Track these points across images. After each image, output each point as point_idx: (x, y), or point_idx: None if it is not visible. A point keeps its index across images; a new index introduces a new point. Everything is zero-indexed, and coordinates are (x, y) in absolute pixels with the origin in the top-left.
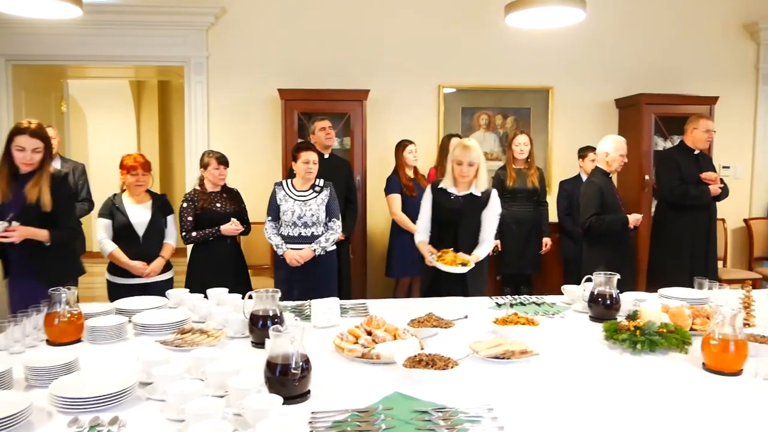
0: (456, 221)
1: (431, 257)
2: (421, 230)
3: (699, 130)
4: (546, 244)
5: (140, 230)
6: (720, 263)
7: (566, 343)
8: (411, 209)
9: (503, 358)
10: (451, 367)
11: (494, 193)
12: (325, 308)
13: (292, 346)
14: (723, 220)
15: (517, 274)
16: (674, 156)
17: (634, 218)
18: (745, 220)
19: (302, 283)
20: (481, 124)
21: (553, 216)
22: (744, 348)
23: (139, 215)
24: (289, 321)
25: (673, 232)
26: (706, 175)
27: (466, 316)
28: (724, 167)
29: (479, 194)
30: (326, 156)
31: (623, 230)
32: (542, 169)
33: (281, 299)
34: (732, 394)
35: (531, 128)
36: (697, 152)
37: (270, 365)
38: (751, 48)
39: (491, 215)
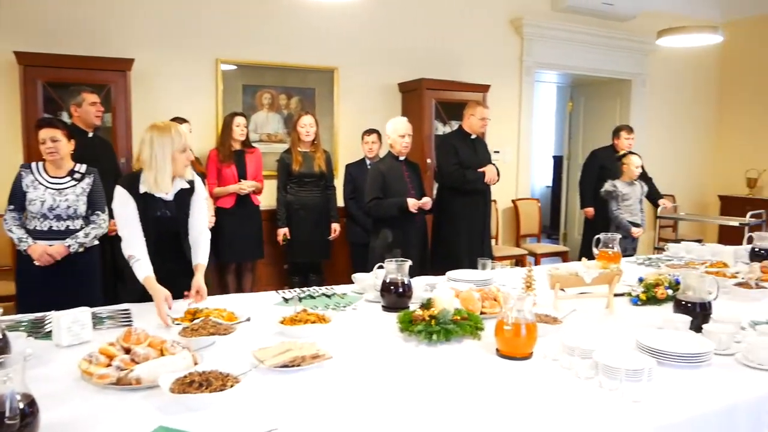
0: (176, 231)
1: (175, 324)
2: (142, 257)
3: (475, 117)
4: (335, 230)
5: None
6: (492, 241)
7: (360, 339)
8: None
9: (292, 366)
10: (231, 386)
11: (196, 176)
12: (70, 321)
13: (6, 386)
14: (495, 201)
15: (305, 262)
16: (452, 141)
17: (413, 202)
18: (513, 201)
19: (52, 288)
20: (263, 104)
21: (339, 200)
22: (534, 331)
23: None
24: (18, 343)
25: (453, 213)
26: (487, 179)
27: (248, 319)
28: (495, 152)
29: (187, 185)
30: (90, 135)
31: (404, 214)
32: (329, 152)
33: (22, 311)
34: (524, 378)
35: (316, 109)
36: (473, 137)
37: None
38: (517, 42)
39: (200, 200)
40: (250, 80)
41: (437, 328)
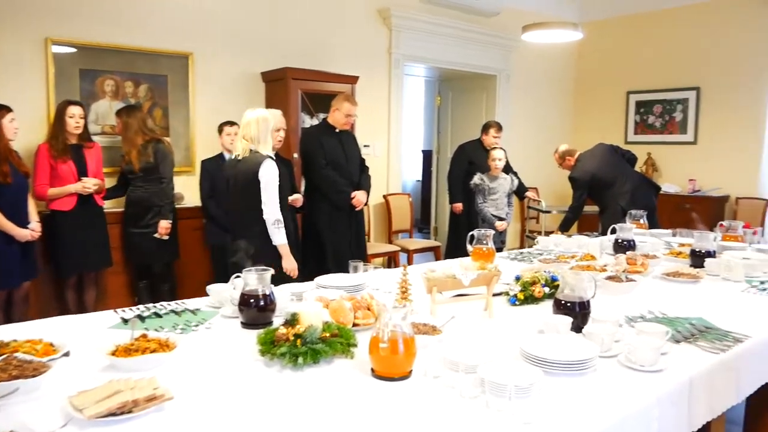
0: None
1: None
2: None
3: (340, 112)
4: (162, 228)
5: None
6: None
7: (213, 367)
8: (3, 200)
9: (121, 414)
10: None
11: None
12: None
13: None
14: None
15: (145, 265)
16: (317, 134)
17: None
18: (385, 196)
19: None
20: (106, 91)
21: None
22: (413, 346)
23: None
24: None
25: (322, 212)
26: (354, 202)
27: (66, 353)
28: (365, 146)
29: None
30: None
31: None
32: (162, 145)
33: None
34: (404, 402)
35: (169, 99)
36: (339, 130)
37: None
38: (385, 33)
39: None
40: (89, 64)
41: (303, 349)
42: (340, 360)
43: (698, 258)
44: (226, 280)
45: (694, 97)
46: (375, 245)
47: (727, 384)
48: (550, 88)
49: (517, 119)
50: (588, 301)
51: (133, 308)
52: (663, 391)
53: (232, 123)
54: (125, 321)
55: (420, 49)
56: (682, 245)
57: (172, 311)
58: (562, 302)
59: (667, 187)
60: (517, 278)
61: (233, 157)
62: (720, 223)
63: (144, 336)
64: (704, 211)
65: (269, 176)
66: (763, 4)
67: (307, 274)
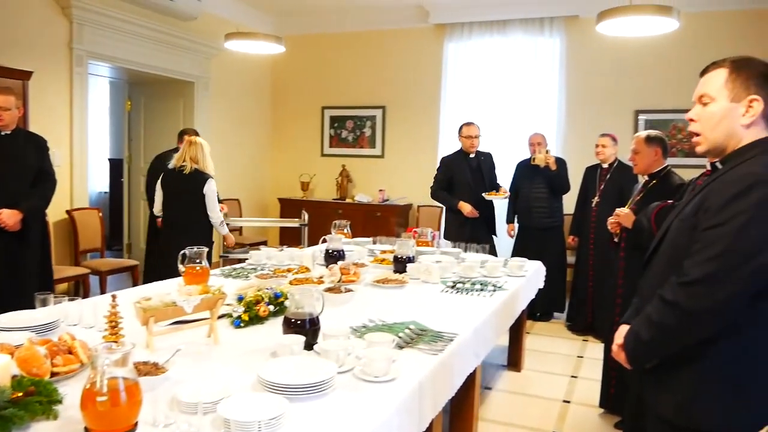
0: None
1: None
2: None
3: None
4: None
5: None
6: None
7: None
8: None
9: None
10: None
11: None
12: None
13: None
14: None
15: None
16: None
17: None
18: (68, 212)
19: None
20: None
21: None
22: (138, 393)
23: None
24: None
25: None
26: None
27: None
28: None
29: None
30: None
31: None
32: None
33: None
34: None
35: None
36: (5, 133)
37: None
38: (64, 24)
39: None
40: None
41: None
42: (41, 423)
43: (401, 264)
44: None
45: (380, 115)
46: (59, 269)
47: (445, 380)
48: (250, 98)
49: (216, 129)
50: (318, 317)
51: None
52: (399, 399)
53: None
54: None
55: (107, 48)
56: (384, 252)
57: None
58: (293, 320)
59: (360, 197)
60: (240, 298)
61: (174, 168)
62: (413, 230)
63: None
64: (392, 217)
65: (212, 191)
66: (435, 35)
67: None
